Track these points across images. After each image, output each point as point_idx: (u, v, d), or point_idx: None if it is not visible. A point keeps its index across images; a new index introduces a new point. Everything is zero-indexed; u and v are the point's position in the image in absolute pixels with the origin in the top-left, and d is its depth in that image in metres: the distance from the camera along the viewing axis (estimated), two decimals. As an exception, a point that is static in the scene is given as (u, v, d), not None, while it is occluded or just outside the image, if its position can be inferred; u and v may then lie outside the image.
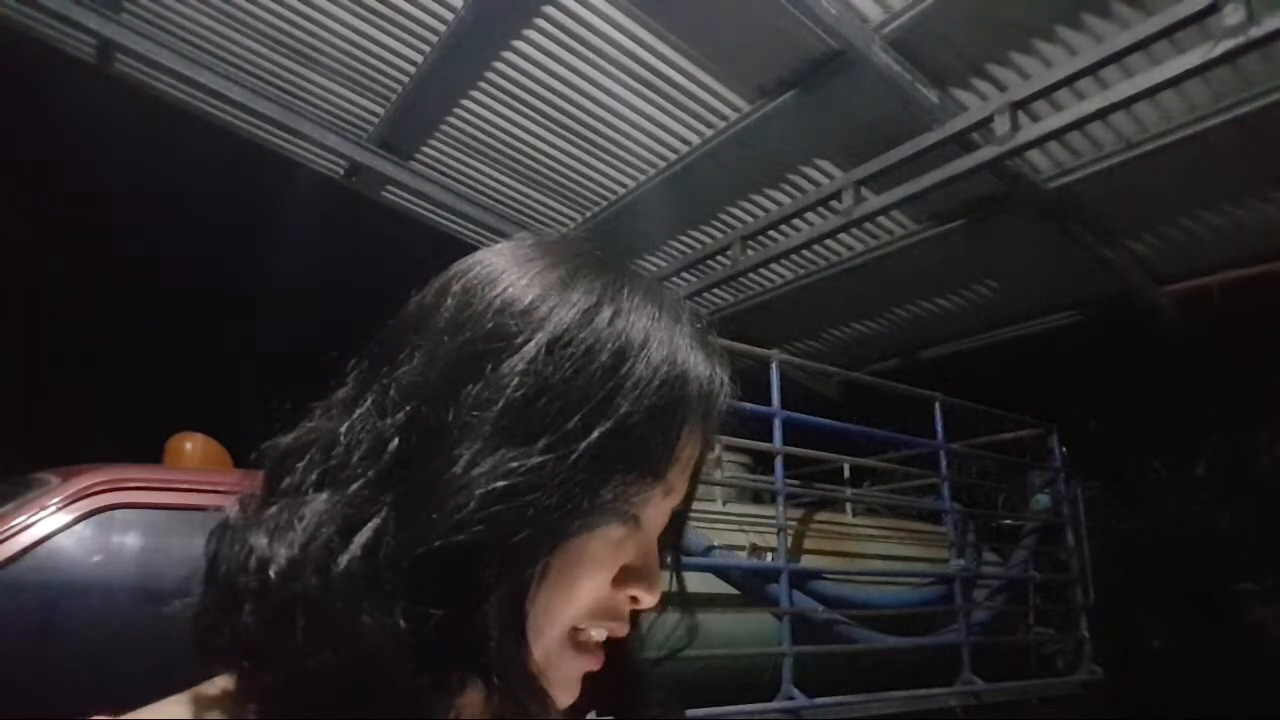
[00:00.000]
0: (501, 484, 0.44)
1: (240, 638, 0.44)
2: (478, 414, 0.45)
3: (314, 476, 0.47)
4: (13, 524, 2.03)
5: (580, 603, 0.49)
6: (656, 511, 0.51)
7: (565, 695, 0.51)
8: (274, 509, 0.46)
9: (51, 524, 2.07)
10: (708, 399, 0.51)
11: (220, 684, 0.46)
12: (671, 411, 0.49)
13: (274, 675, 0.43)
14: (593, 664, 0.51)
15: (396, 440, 0.46)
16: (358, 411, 0.48)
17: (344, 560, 0.43)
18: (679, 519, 0.57)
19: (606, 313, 0.48)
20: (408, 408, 0.46)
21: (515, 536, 0.44)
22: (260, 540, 0.45)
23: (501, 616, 0.45)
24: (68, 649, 2.01)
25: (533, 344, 0.46)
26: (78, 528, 2.10)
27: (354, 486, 0.45)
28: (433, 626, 0.43)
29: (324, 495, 0.46)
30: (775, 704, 3.12)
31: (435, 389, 0.46)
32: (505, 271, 0.50)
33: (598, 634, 0.51)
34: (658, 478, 0.49)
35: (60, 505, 2.10)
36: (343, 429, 0.48)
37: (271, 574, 0.43)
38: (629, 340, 0.48)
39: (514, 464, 0.44)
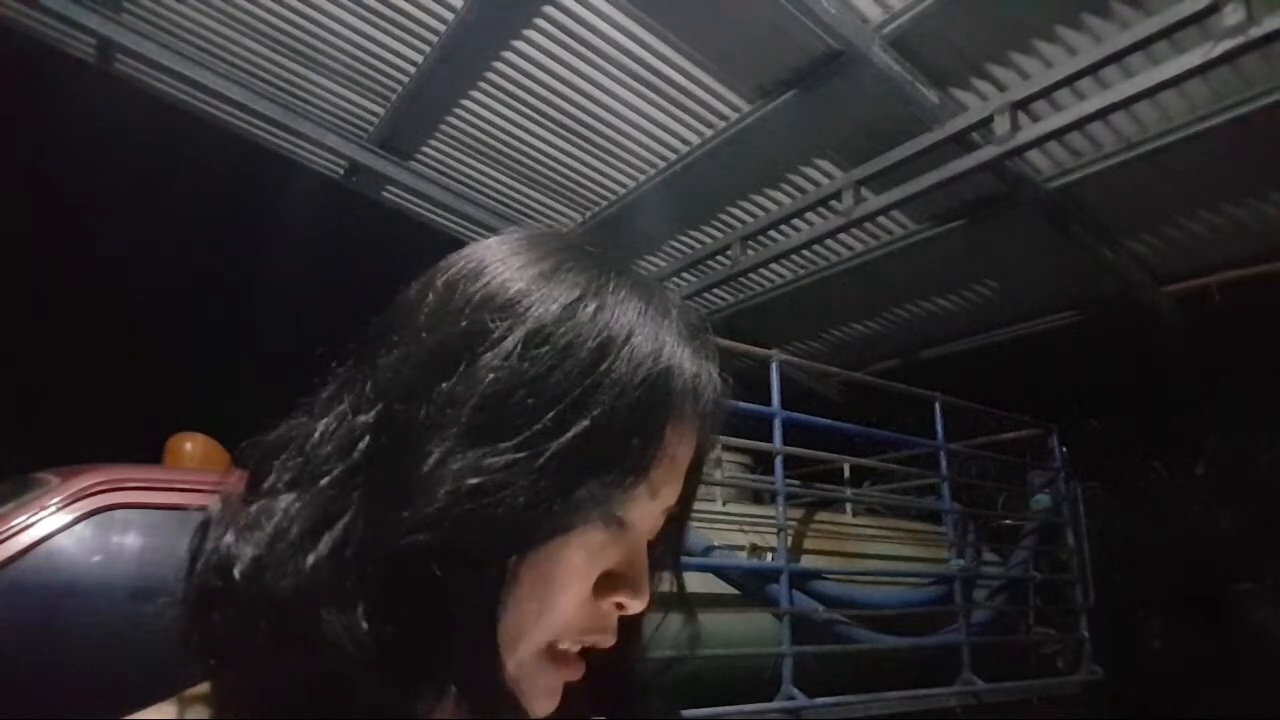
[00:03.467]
0: (471, 482, 0.42)
1: (211, 638, 0.43)
2: (451, 411, 0.43)
3: (288, 475, 0.46)
4: (13, 524, 2.03)
5: (558, 609, 0.46)
6: (645, 514, 0.49)
7: (543, 704, 0.48)
8: (249, 508, 0.46)
9: (51, 524, 2.06)
10: (695, 396, 0.48)
11: (207, 686, 0.46)
12: (654, 409, 0.46)
13: (241, 677, 0.42)
14: (571, 675, 0.49)
15: (367, 438, 0.45)
16: (335, 409, 0.47)
17: (310, 560, 0.42)
18: (677, 521, 0.54)
19: (590, 307, 0.46)
20: (380, 405, 0.45)
21: (484, 537, 0.42)
22: (229, 539, 0.44)
23: (471, 621, 0.43)
24: (68, 649, 2.01)
25: (510, 339, 0.44)
26: (78, 528, 2.10)
27: (322, 484, 0.44)
28: (399, 630, 0.42)
29: (294, 494, 0.45)
30: (775, 704, 3.12)
31: (409, 385, 0.45)
32: (488, 266, 0.48)
33: (575, 645, 0.48)
34: (640, 478, 0.46)
35: (60, 505, 2.09)
36: (318, 426, 0.47)
37: (236, 574, 0.43)
38: (611, 335, 0.46)
39: (485, 462, 0.42)
